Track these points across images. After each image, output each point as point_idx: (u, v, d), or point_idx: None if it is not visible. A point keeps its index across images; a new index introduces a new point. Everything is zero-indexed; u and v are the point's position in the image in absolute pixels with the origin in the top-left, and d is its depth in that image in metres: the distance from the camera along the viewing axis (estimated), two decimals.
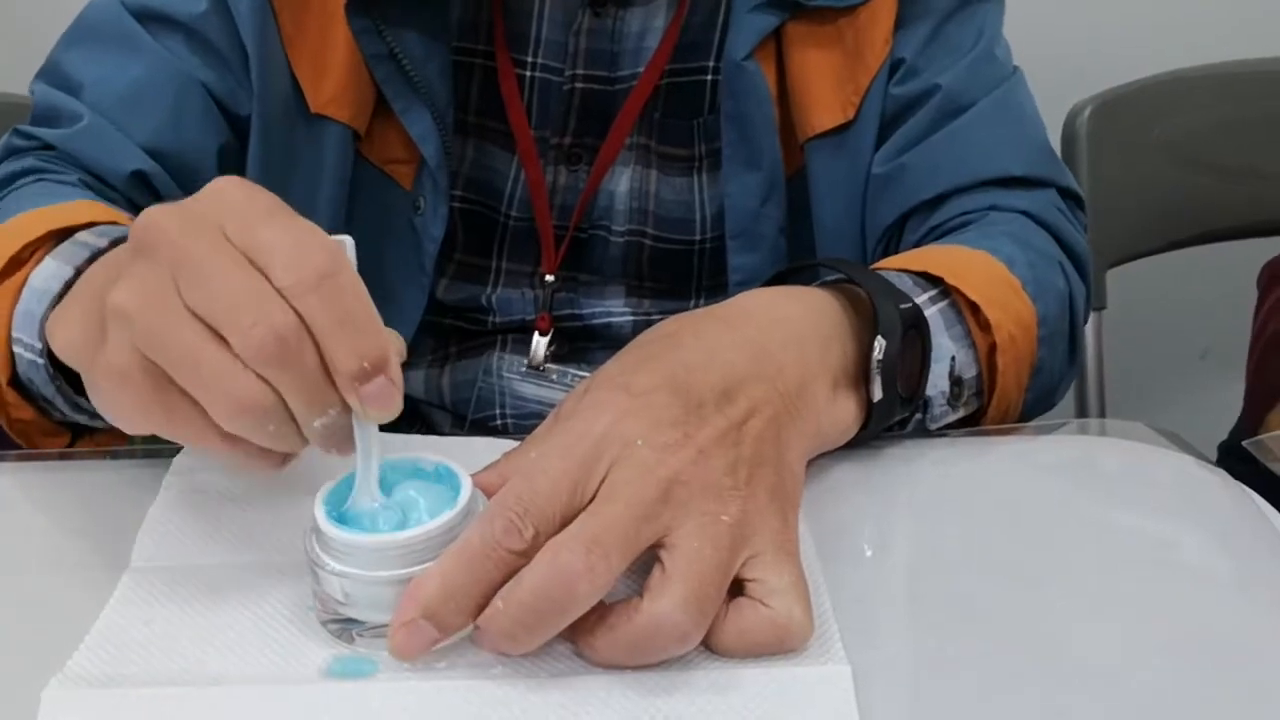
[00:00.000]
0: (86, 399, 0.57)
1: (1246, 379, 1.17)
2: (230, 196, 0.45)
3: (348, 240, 0.45)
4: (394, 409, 0.44)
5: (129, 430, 0.48)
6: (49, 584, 0.51)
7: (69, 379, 0.57)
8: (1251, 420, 1.12)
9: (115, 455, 0.62)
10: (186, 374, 0.43)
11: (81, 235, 0.60)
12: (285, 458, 0.46)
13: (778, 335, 0.54)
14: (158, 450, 0.59)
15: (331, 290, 0.42)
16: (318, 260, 0.43)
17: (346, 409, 0.44)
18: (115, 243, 0.58)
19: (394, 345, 0.44)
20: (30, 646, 0.47)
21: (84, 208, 0.64)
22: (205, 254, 0.43)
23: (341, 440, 0.45)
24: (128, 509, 0.54)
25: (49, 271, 0.58)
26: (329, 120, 0.77)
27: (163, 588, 0.49)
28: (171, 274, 0.43)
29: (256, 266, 0.43)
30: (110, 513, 0.55)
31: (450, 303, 0.85)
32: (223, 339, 0.42)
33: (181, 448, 0.58)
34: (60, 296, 0.56)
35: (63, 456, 0.62)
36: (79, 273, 0.57)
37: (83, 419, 0.60)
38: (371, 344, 0.43)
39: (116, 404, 0.46)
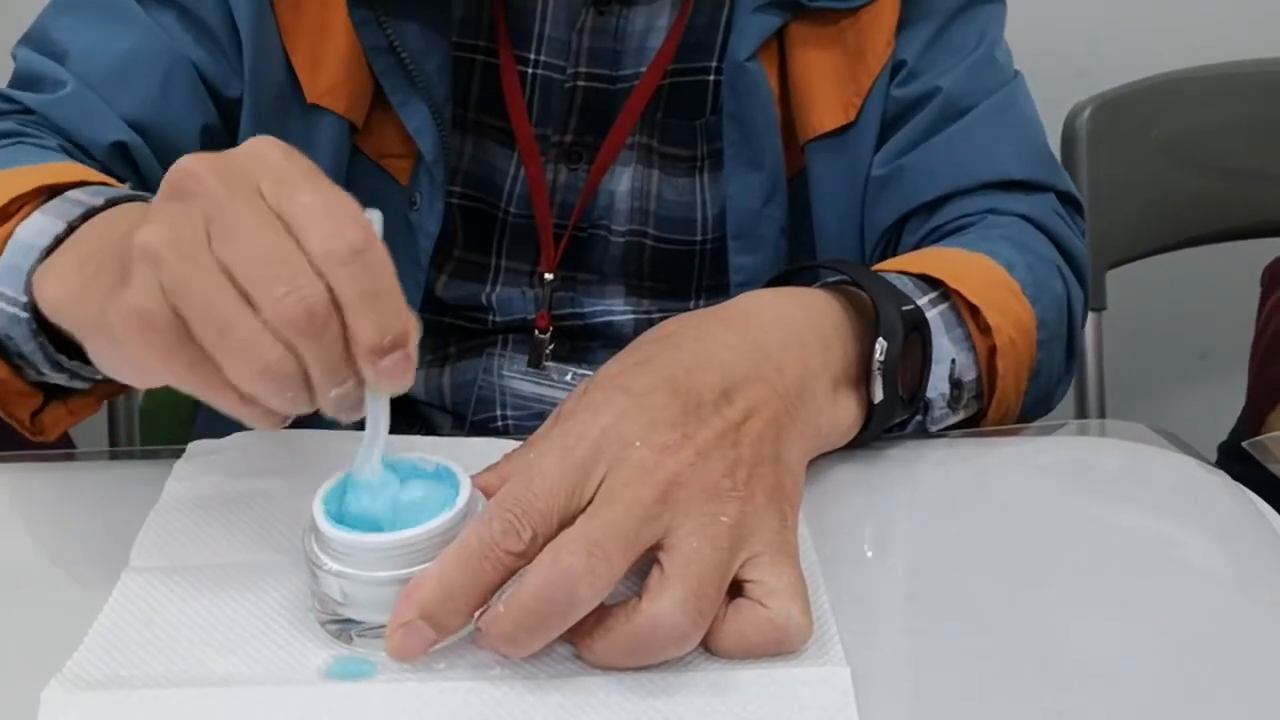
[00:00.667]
0: (67, 357, 0.56)
1: (1249, 378, 1.17)
2: (269, 156, 0.45)
3: (377, 214, 0.45)
4: (407, 383, 0.44)
5: (134, 381, 0.47)
6: (49, 584, 0.51)
7: (50, 337, 0.56)
8: (1254, 419, 1.11)
9: (115, 455, 0.62)
10: (212, 334, 0.42)
11: (73, 193, 0.59)
12: (288, 416, 0.46)
13: (778, 336, 0.54)
14: (157, 451, 0.59)
15: (362, 264, 0.42)
16: (351, 233, 0.43)
17: (361, 381, 0.44)
18: (111, 202, 0.57)
19: (412, 324, 0.44)
20: (30, 646, 0.47)
21: (72, 168, 0.63)
22: (241, 210, 0.43)
23: (352, 408, 0.45)
24: (128, 509, 0.54)
25: (38, 227, 0.57)
26: (325, 111, 0.76)
27: (162, 587, 0.49)
28: (205, 223, 0.43)
29: (290, 230, 0.43)
30: (110, 513, 0.55)
31: (450, 300, 0.85)
32: (250, 300, 0.42)
33: (183, 451, 0.58)
34: (49, 252, 0.55)
35: (64, 457, 0.62)
36: (71, 229, 0.56)
37: (60, 379, 0.59)
38: (394, 320, 0.43)
39: (135, 350, 0.44)
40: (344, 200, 0.44)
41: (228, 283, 0.42)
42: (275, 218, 0.43)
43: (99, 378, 0.60)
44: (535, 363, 0.84)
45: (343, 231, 0.43)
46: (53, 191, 0.59)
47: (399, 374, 0.44)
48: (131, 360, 0.45)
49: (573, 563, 0.43)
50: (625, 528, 0.44)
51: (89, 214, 0.56)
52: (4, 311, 0.57)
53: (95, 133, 0.73)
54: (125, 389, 0.66)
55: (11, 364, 0.59)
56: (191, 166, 0.44)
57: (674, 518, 0.45)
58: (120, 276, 0.44)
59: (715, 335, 0.53)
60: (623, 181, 0.83)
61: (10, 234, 0.57)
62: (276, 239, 0.42)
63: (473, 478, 0.48)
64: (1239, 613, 0.50)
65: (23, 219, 0.58)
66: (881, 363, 0.57)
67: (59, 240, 0.56)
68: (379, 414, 0.46)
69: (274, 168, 0.44)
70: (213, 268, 0.42)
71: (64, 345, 0.57)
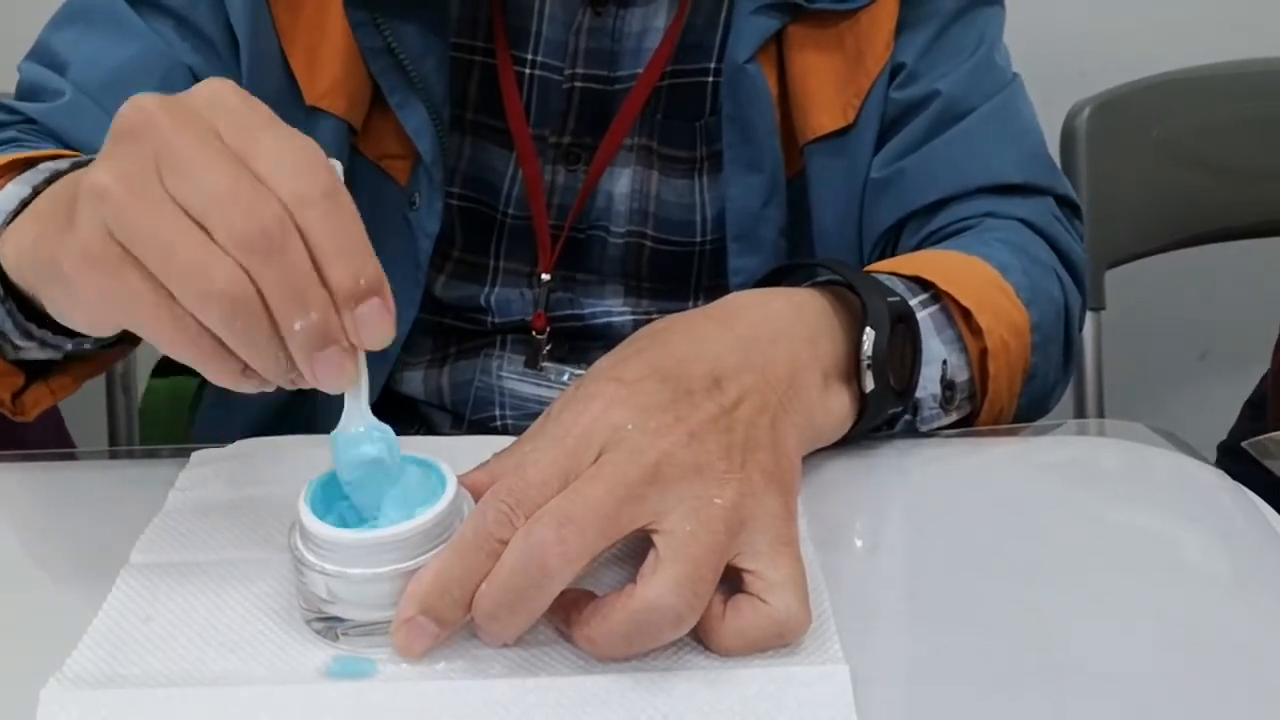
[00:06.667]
0: (36, 325, 0.56)
1: (1270, 381, 1.15)
2: (226, 100, 0.44)
3: (338, 164, 0.44)
4: (388, 333, 0.43)
5: (91, 330, 0.47)
6: (49, 584, 0.52)
7: (19, 305, 0.56)
8: (1273, 422, 1.10)
9: (115, 455, 0.62)
10: (158, 259, 0.41)
11: (45, 163, 0.59)
12: (247, 371, 0.44)
13: (766, 330, 0.55)
14: (157, 450, 0.59)
15: (333, 206, 0.42)
16: (321, 175, 0.42)
17: (328, 311, 0.42)
18: (76, 165, 0.57)
19: (383, 275, 0.43)
20: (30, 646, 0.47)
21: (51, 151, 0.63)
22: (192, 144, 0.42)
23: (323, 349, 0.43)
24: (128, 509, 0.54)
25: (8, 194, 0.57)
26: (324, 113, 0.76)
27: (162, 584, 0.49)
28: (155, 159, 0.42)
29: (255, 173, 0.42)
30: (110, 513, 0.56)
31: (449, 301, 0.85)
32: (204, 230, 0.41)
33: (183, 451, 0.58)
34: (15, 215, 0.55)
35: (64, 457, 0.62)
36: (36, 193, 0.55)
37: (31, 347, 0.58)
38: (367, 263, 0.42)
39: (80, 291, 0.44)
40: (309, 143, 0.43)
41: (177, 210, 0.41)
42: (230, 154, 0.42)
43: (69, 347, 0.60)
44: (532, 363, 0.84)
45: (312, 173, 0.42)
46: (27, 165, 0.59)
47: (377, 323, 0.43)
48: (86, 303, 0.45)
49: (543, 534, 0.43)
50: (601, 503, 0.44)
51: (54, 177, 0.56)
52: None
53: (93, 140, 0.73)
54: (103, 367, 0.65)
55: None
56: (142, 103, 0.43)
57: (664, 500, 0.45)
58: (69, 218, 0.43)
59: (704, 330, 0.53)
60: (621, 182, 0.83)
61: None
62: (230, 169, 0.41)
63: (463, 477, 0.48)
64: (1238, 613, 0.50)
65: None
66: (869, 355, 0.57)
67: (25, 203, 0.55)
68: (359, 371, 0.45)
69: (232, 111, 0.43)
70: (162, 198, 0.41)
71: (33, 315, 0.56)
